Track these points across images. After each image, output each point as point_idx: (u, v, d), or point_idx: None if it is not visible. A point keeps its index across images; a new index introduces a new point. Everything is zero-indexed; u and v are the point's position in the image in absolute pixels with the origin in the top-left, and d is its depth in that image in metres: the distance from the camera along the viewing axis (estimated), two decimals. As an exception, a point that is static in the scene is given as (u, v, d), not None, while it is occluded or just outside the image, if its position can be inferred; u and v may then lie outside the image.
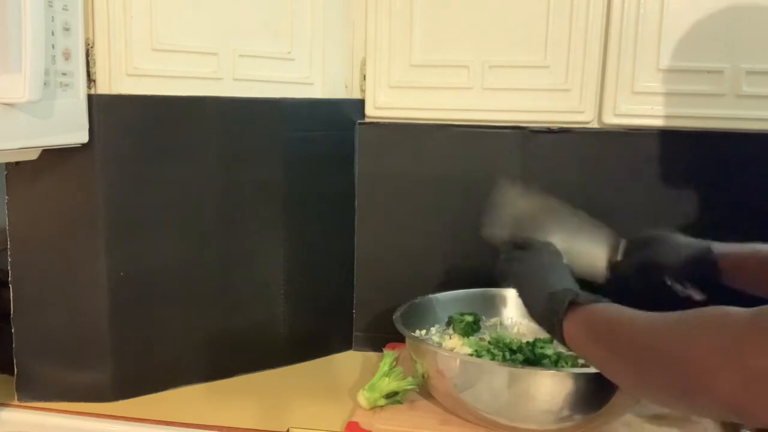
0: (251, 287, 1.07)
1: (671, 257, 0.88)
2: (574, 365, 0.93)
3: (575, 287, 0.74)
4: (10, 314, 0.95)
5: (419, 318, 1.03)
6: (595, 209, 1.09)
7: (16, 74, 0.72)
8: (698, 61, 1.04)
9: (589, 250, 0.91)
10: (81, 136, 0.88)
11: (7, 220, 0.93)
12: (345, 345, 1.20)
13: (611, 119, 1.07)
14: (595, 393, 0.82)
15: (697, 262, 0.86)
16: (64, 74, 0.83)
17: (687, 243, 0.88)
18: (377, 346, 1.16)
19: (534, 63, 1.09)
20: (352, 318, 1.20)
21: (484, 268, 1.13)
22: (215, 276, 1.03)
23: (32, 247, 0.94)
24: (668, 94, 1.05)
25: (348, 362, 1.16)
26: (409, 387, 0.93)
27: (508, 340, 0.99)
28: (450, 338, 1.03)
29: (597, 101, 1.08)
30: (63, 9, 0.81)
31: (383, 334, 1.12)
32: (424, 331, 1.03)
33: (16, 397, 0.96)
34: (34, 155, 0.86)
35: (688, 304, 0.67)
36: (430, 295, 1.07)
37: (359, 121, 1.16)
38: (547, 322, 0.72)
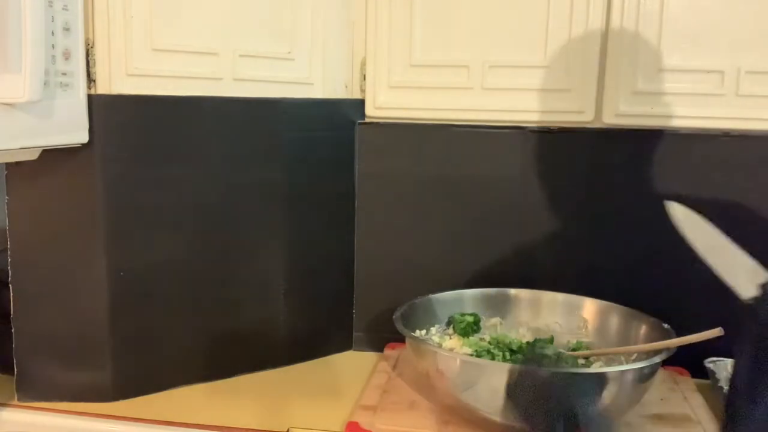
0: (251, 287, 1.07)
1: None
2: (575, 365, 0.93)
3: None
4: (10, 314, 0.95)
5: (419, 318, 1.03)
6: (595, 210, 1.10)
7: (16, 74, 0.72)
8: (698, 61, 1.04)
9: None
10: (81, 136, 0.88)
11: (7, 220, 0.93)
12: (345, 345, 1.20)
13: (611, 119, 1.07)
14: (596, 393, 0.82)
15: None
16: (64, 74, 0.83)
17: None
18: (377, 346, 1.16)
19: (534, 63, 1.09)
20: (352, 318, 1.20)
21: (484, 268, 1.15)
22: (215, 276, 1.03)
23: (32, 247, 0.94)
24: (668, 94, 1.05)
25: (348, 362, 1.16)
26: None
27: (508, 340, 0.99)
28: (450, 338, 1.03)
29: (597, 101, 1.08)
30: (63, 9, 0.81)
31: (383, 334, 1.13)
32: (424, 331, 1.03)
33: (16, 397, 0.96)
34: (34, 155, 0.86)
35: None
36: (430, 295, 1.07)
37: (359, 121, 1.16)
38: None
